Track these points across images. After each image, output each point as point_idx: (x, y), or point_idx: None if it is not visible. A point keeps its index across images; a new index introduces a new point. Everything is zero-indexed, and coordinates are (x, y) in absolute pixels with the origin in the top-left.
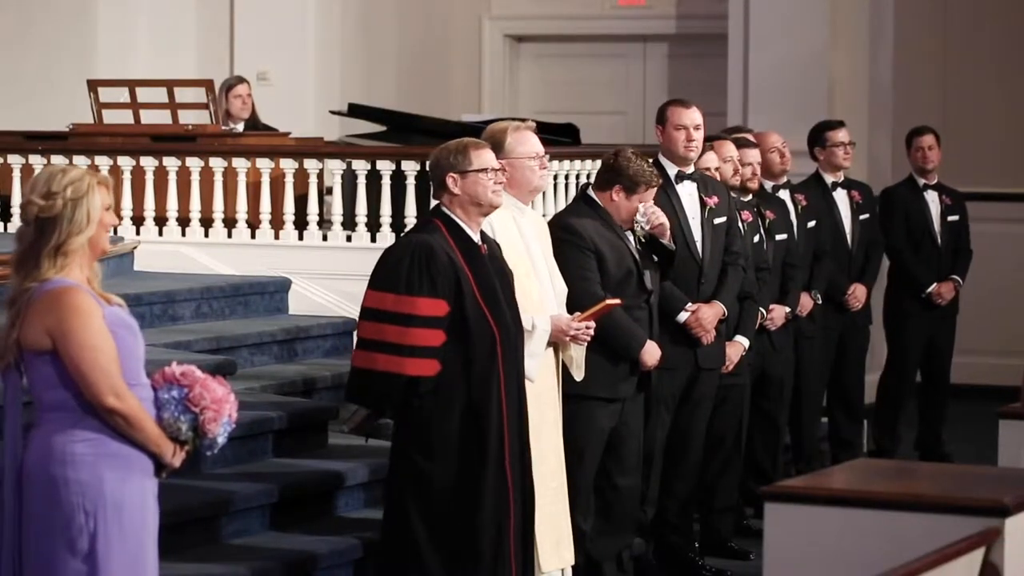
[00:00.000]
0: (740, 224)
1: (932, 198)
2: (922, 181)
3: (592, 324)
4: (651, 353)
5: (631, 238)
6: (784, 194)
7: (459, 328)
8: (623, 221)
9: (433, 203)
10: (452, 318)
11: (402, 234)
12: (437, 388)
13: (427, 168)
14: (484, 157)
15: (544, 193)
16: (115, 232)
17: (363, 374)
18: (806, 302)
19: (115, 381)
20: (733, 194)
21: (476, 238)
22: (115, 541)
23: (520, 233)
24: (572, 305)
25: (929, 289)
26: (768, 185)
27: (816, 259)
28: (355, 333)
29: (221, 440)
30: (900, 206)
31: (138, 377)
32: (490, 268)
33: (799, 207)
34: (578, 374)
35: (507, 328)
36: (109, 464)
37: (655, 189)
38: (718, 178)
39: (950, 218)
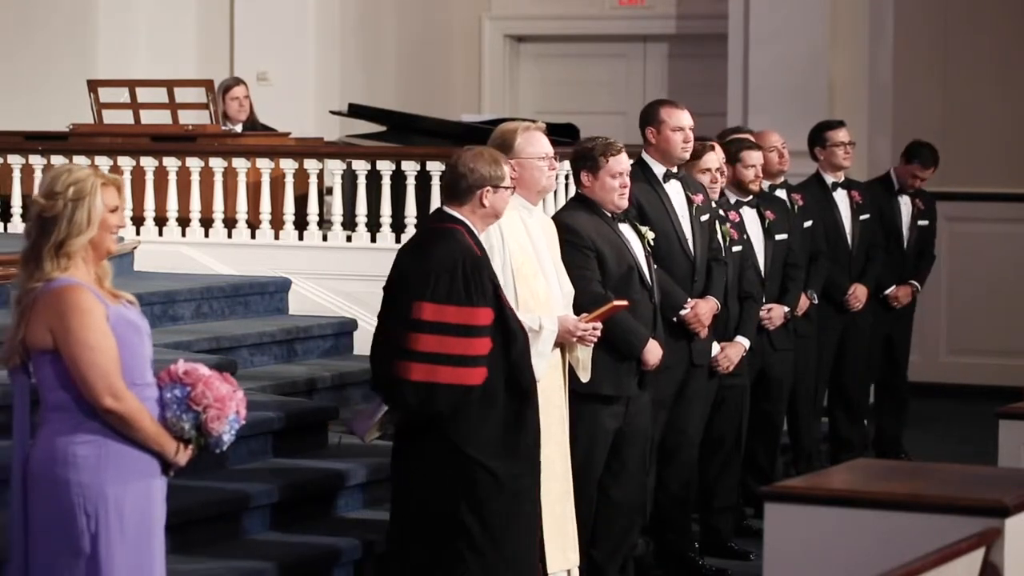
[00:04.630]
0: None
1: (904, 201)
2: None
3: (599, 325)
4: (653, 352)
5: (628, 233)
6: (781, 194)
7: (500, 333)
8: (614, 204)
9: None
10: (494, 324)
11: (421, 241)
12: (483, 392)
13: (458, 171)
14: (507, 170)
15: None
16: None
17: (426, 388)
18: (802, 302)
19: (112, 381)
20: (734, 194)
21: (484, 244)
22: (116, 543)
23: (528, 233)
24: (572, 304)
25: (887, 291)
26: (765, 185)
27: (812, 259)
28: (414, 344)
29: (227, 438)
30: (875, 206)
31: (144, 376)
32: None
33: (795, 207)
34: (584, 375)
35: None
36: (111, 465)
37: (622, 152)
38: (719, 179)
39: (920, 222)
